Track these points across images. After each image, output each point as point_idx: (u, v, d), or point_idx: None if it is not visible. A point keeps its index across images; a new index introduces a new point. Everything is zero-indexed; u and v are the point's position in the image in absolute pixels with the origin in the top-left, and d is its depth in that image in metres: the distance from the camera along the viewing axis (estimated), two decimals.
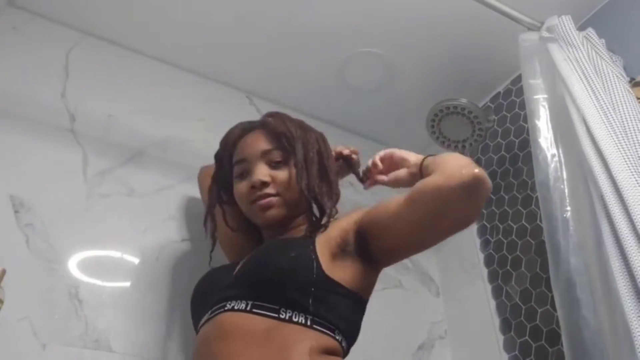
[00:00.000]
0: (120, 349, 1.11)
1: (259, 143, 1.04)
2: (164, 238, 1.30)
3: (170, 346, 1.17)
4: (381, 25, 1.54)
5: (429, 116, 1.61)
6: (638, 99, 1.15)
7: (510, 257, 1.51)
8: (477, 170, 0.80)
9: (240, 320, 0.85)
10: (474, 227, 1.67)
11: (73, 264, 1.16)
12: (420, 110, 1.62)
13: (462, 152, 1.80)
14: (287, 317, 0.84)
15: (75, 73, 1.43)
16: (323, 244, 0.92)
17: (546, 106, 1.23)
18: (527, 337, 1.38)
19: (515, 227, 1.53)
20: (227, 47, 1.61)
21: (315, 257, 0.89)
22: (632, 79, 1.24)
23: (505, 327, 1.46)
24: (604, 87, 1.13)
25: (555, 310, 1.09)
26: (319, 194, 0.98)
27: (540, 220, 1.25)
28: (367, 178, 1.07)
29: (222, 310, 0.89)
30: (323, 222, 0.97)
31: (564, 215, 1.09)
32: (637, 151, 1.00)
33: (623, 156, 0.99)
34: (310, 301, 0.85)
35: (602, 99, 1.09)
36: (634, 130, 1.04)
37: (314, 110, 1.80)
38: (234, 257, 1.09)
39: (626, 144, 1.01)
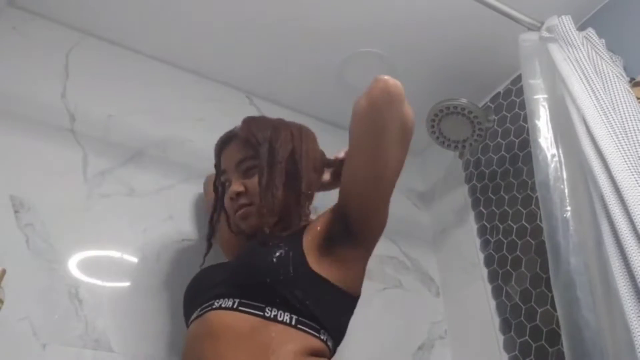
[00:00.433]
0: (120, 349, 1.11)
1: (234, 154, 1.06)
2: (164, 238, 1.30)
3: (171, 346, 1.17)
4: (381, 25, 1.54)
5: (429, 116, 1.61)
6: (638, 99, 1.15)
7: (510, 257, 1.51)
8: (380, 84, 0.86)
9: (227, 318, 0.86)
10: (474, 227, 1.67)
11: (73, 264, 1.16)
12: (420, 110, 1.61)
13: (462, 152, 1.80)
14: (272, 316, 0.85)
15: (75, 73, 1.43)
16: (310, 240, 0.93)
17: (546, 106, 1.23)
18: (527, 337, 1.38)
19: (515, 227, 1.53)
20: (227, 47, 1.60)
21: (301, 253, 0.90)
22: (632, 79, 1.24)
23: (505, 327, 1.46)
24: (604, 87, 1.13)
25: (555, 310, 1.09)
26: (276, 197, 0.97)
27: (540, 220, 1.25)
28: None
29: (210, 308, 0.90)
30: (291, 222, 0.98)
31: (564, 215, 1.09)
32: (637, 151, 1.00)
33: (623, 156, 0.99)
34: (295, 299, 0.86)
35: (602, 99, 1.09)
36: (634, 130, 1.04)
37: (314, 110, 1.80)
38: (230, 258, 1.10)
39: (626, 144, 1.01)
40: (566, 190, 1.12)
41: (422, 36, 1.57)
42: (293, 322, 0.85)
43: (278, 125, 1.07)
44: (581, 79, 1.14)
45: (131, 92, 1.49)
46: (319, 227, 0.96)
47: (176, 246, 1.30)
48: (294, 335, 0.84)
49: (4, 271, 0.95)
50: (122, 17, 1.51)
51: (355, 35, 1.57)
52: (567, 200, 1.10)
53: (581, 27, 1.33)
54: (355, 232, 0.93)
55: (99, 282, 1.17)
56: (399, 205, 1.47)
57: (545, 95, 1.25)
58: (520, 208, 1.53)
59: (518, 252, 1.49)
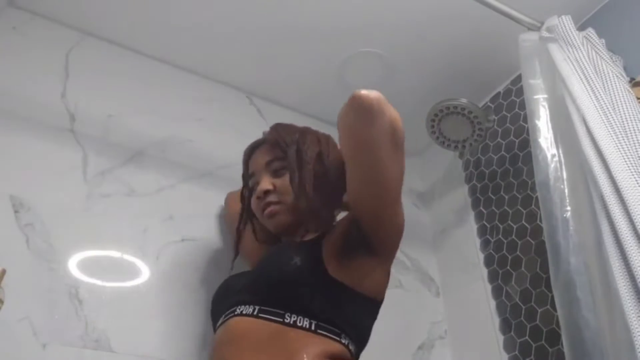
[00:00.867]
0: (120, 349, 1.11)
1: (263, 155, 1.09)
2: (164, 238, 1.30)
3: (171, 346, 1.17)
4: (381, 25, 1.54)
5: (429, 116, 1.60)
6: (638, 99, 1.14)
7: (510, 257, 1.51)
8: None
9: (248, 325, 0.87)
10: (474, 227, 1.67)
11: (73, 264, 1.16)
12: (420, 110, 1.62)
13: (462, 152, 1.80)
14: (291, 322, 0.85)
15: (75, 73, 1.43)
16: (329, 246, 0.93)
17: (546, 106, 1.23)
18: (527, 337, 1.38)
19: (515, 227, 1.53)
20: (227, 47, 1.60)
21: (321, 260, 0.90)
22: (632, 79, 1.24)
23: (505, 327, 1.46)
24: (604, 87, 1.13)
25: (555, 310, 1.09)
26: (309, 195, 0.98)
27: (540, 220, 1.24)
28: None
29: (233, 314, 0.91)
30: (320, 222, 0.99)
31: (564, 215, 1.09)
32: (637, 151, 1.00)
33: (623, 156, 0.99)
34: (314, 305, 0.86)
35: (602, 99, 1.09)
36: (634, 130, 1.04)
37: (314, 110, 1.80)
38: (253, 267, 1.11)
39: (626, 144, 1.01)
40: (566, 190, 1.12)
41: (422, 36, 1.57)
42: (313, 327, 0.85)
43: (305, 130, 1.10)
44: (581, 79, 1.14)
45: (131, 92, 1.49)
46: (337, 234, 0.96)
47: (176, 246, 1.30)
48: (314, 339, 0.85)
49: (4, 271, 0.95)
50: (122, 17, 1.51)
51: (355, 35, 1.57)
52: (567, 200, 1.10)
53: (581, 27, 1.33)
54: (372, 242, 0.93)
55: (99, 282, 1.17)
56: None
57: (545, 95, 1.24)
58: (520, 208, 1.53)
59: (518, 252, 1.49)
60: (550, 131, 1.20)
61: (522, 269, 1.46)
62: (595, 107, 1.08)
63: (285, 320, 0.85)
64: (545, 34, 1.28)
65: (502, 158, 1.66)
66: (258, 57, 1.64)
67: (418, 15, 1.51)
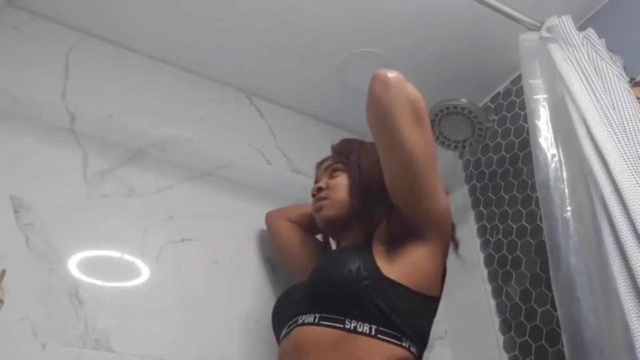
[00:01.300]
0: (120, 349, 1.11)
1: (327, 164, 1.20)
2: (164, 238, 1.30)
3: (171, 346, 1.17)
4: (381, 25, 1.54)
5: (428, 116, 1.60)
6: (638, 99, 1.14)
7: (510, 257, 1.51)
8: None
9: (311, 334, 0.89)
10: (474, 227, 1.67)
11: (73, 264, 1.16)
12: None
13: (462, 152, 1.80)
14: (352, 327, 0.86)
15: (75, 73, 1.43)
16: (378, 246, 0.96)
17: (546, 106, 1.23)
18: (527, 337, 1.38)
19: (515, 227, 1.53)
20: (227, 47, 1.60)
21: (373, 261, 0.92)
22: (632, 79, 1.24)
23: (505, 327, 1.46)
24: (604, 87, 1.13)
25: (555, 310, 1.09)
26: (366, 196, 1.05)
27: (540, 220, 1.24)
28: None
29: (295, 325, 0.93)
30: (365, 219, 1.04)
31: (564, 215, 1.09)
32: (637, 151, 1.00)
33: (623, 156, 0.99)
34: (374, 308, 0.87)
35: (602, 99, 1.09)
36: (634, 130, 1.04)
37: (314, 110, 1.80)
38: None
39: (626, 144, 1.01)
40: (566, 190, 1.11)
41: (422, 36, 1.57)
42: (373, 332, 0.86)
43: (366, 142, 1.18)
44: (581, 79, 1.14)
45: (131, 92, 1.49)
46: (383, 233, 0.99)
47: (176, 246, 1.30)
48: (377, 346, 0.85)
49: (4, 271, 0.95)
50: (122, 17, 1.51)
51: (355, 35, 1.57)
52: (567, 200, 1.10)
53: (581, 27, 1.33)
54: (414, 226, 0.95)
55: (99, 282, 1.17)
56: None
57: (545, 95, 1.24)
58: (520, 208, 1.53)
59: (518, 252, 1.49)
60: (550, 131, 1.20)
61: (522, 269, 1.46)
62: (595, 107, 1.08)
63: (346, 326, 0.87)
64: (545, 34, 1.28)
65: (502, 158, 1.66)
66: (258, 57, 1.64)
67: (418, 15, 1.51)
